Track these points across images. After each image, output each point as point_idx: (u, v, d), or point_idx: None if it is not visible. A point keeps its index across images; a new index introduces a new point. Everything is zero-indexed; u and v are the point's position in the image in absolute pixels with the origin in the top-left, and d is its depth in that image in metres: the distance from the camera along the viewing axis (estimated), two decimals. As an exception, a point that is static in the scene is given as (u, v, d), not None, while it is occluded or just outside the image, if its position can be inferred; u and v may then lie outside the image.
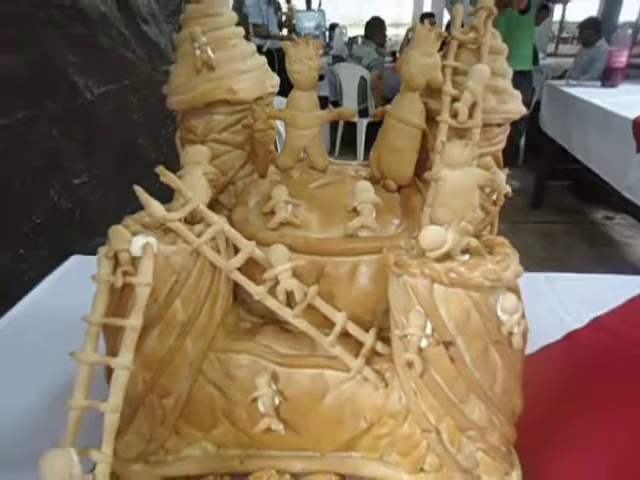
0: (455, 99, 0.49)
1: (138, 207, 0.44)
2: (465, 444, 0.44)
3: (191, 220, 0.45)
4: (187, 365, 0.46)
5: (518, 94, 0.52)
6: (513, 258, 0.40)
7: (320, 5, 5.77)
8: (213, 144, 0.55)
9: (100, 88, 1.42)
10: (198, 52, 0.51)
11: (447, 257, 0.39)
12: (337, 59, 3.99)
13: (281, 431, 0.45)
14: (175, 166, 0.48)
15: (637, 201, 2.02)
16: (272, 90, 0.56)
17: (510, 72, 0.52)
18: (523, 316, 0.41)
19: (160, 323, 0.44)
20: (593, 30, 3.26)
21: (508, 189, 0.54)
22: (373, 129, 0.57)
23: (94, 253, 1.02)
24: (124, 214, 0.45)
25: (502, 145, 0.54)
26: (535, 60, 3.38)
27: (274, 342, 0.48)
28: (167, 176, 0.43)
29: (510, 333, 0.40)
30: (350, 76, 3.61)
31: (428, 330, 0.40)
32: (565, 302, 0.86)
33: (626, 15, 4.46)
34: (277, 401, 0.45)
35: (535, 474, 0.51)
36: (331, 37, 4.87)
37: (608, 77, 2.70)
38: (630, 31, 3.52)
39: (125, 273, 0.40)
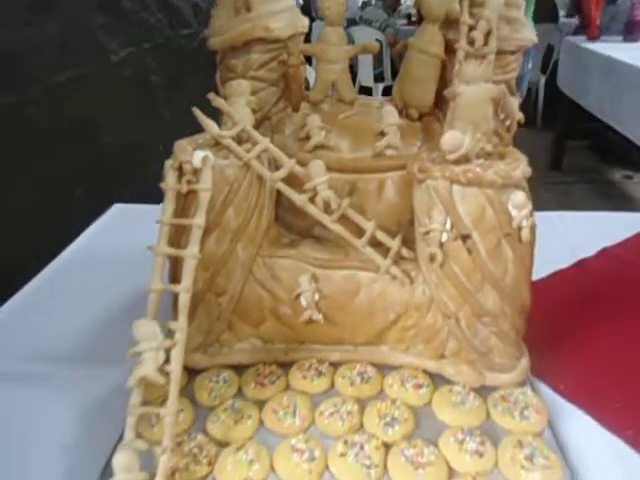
0: (472, 28, 0.53)
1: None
2: (480, 330, 0.51)
3: (238, 142, 0.52)
4: (239, 267, 0.53)
5: (530, 22, 0.57)
6: (522, 161, 0.46)
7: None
8: (251, 81, 0.60)
9: (124, 50, 1.47)
10: (237, -6, 0.57)
11: (464, 160, 0.45)
12: (350, 22, 3.95)
13: (320, 321, 0.52)
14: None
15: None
16: (303, 30, 0.62)
17: (523, 3, 0.57)
18: (531, 213, 0.47)
19: (217, 228, 0.51)
20: (620, -15, 3.17)
21: (521, 116, 0.59)
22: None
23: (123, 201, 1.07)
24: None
25: (515, 74, 0.59)
26: (555, 18, 3.31)
27: (312, 251, 0.56)
28: (218, 101, 0.50)
29: (519, 228, 0.47)
30: (365, 39, 3.59)
31: (448, 226, 0.47)
32: (577, 236, 0.91)
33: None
34: (317, 297, 0.53)
35: (542, 368, 0.59)
36: None
37: (630, 31, 2.65)
38: (654, -17, 3.41)
39: (189, 181, 0.47)
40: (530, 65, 3.23)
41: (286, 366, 0.56)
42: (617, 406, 0.54)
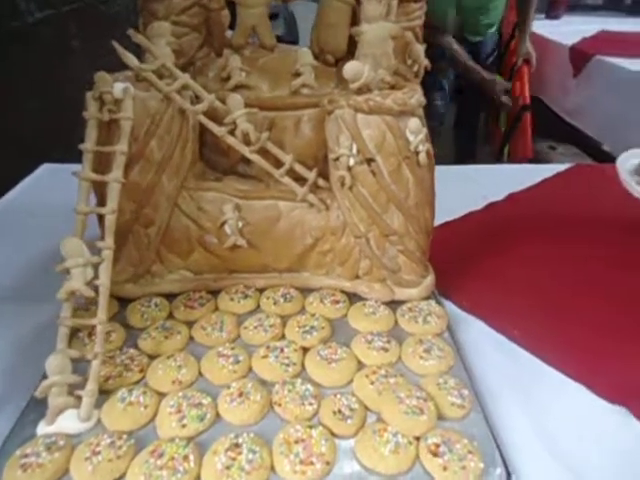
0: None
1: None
2: (389, 248, 0.58)
3: (159, 78, 0.54)
4: (165, 199, 0.56)
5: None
6: (418, 91, 0.52)
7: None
8: (173, 26, 0.63)
9: (41, 12, 1.40)
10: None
11: (367, 90, 0.51)
12: (292, -3, 3.91)
13: (244, 246, 0.57)
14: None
15: (577, 124, 2.18)
16: (222, -24, 0.64)
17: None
18: (426, 139, 0.53)
19: (140, 160, 0.54)
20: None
21: (427, 62, 0.64)
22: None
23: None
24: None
25: (420, 21, 0.64)
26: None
27: (236, 184, 0.60)
28: (138, 37, 0.52)
29: (417, 152, 0.53)
30: (306, 14, 3.58)
31: (354, 151, 0.52)
32: (489, 185, 1.00)
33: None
34: (240, 224, 0.57)
35: (450, 288, 0.66)
36: (285, -25, 4.73)
37: (552, 9, 2.82)
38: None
39: (110, 111, 0.49)
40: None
41: (215, 293, 0.60)
42: (507, 313, 0.63)
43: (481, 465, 0.40)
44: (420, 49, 0.63)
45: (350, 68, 0.49)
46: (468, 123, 2.36)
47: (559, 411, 0.50)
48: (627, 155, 0.81)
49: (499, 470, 0.41)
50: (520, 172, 1.09)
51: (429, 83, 2.25)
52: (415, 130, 0.51)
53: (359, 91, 0.51)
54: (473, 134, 2.42)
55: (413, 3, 0.62)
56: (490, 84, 1.84)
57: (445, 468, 0.40)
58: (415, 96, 0.51)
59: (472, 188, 0.99)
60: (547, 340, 0.59)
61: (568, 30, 2.48)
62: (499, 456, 0.42)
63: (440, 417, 0.45)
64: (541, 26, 2.59)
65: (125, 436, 0.42)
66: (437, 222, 0.82)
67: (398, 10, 0.60)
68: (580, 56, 2.08)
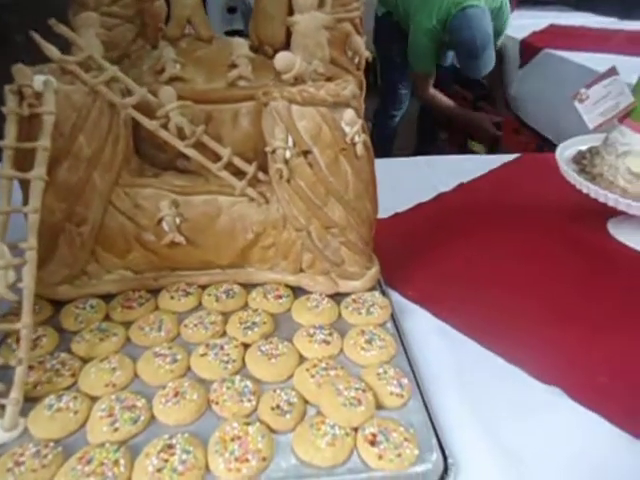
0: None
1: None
2: (331, 241, 0.57)
3: (87, 71, 0.52)
4: (97, 196, 0.54)
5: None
6: (351, 82, 0.52)
7: None
8: (104, 17, 0.60)
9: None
10: None
11: (300, 81, 0.50)
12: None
13: (183, 242, 0.55)
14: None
15: (519, 115, 2.23)
16: (156, -35, 0.62)
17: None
18: (363, 130, 0.53)
19: (68, 157, 0.51)
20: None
21: (368, 54, 0.64)
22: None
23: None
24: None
25: (358, 13, 0.64)
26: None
27: (173, 179, 0.58)
28: (60, 27, 0.50)
29: (354, 143, 0.52)
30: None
31: (290, 143, 0.51)
32: (441, 177, 1.01)
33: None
34: (178, 221, 0.55)
35: (396, 279, 0.67)
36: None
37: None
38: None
39: (30, 105, 0.47)
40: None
41: (156, 292, 0.59)
42: (451, 302, 0.64)
43: (416, 452, 0.41)
44: (360, 41, 0.63)
45: (281, 59, 0.48)
46: (431, 113, 2.40)
47: (498, 395, 0.51)
48: (566, 144, 0.83)
49: (435, 455, 0.42)
50: (472, 162, 1.11)
51: (394, 72, 2.27)
52: (350, 122, 0.51)
53: (294, 82, 0.51)
54: (435, 125, 2.46)
55: (350, -6, 0.62)
56: (479, 122, 1.99)
57: (381, 457, 0.40)
58: (348, 87, 0.51)
59: (423, 180, 1.00)
60: (487, 326, 0.60)
61: (519, 24, 2.54)
62: (436, 441, 0.43)
63: (379, 407, 0.45)
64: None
65: (52, 444, 0.40)
66: (387, 213, 0.84)
67: (335, 1, 0.59)
68: (530, 49, 2.13)
